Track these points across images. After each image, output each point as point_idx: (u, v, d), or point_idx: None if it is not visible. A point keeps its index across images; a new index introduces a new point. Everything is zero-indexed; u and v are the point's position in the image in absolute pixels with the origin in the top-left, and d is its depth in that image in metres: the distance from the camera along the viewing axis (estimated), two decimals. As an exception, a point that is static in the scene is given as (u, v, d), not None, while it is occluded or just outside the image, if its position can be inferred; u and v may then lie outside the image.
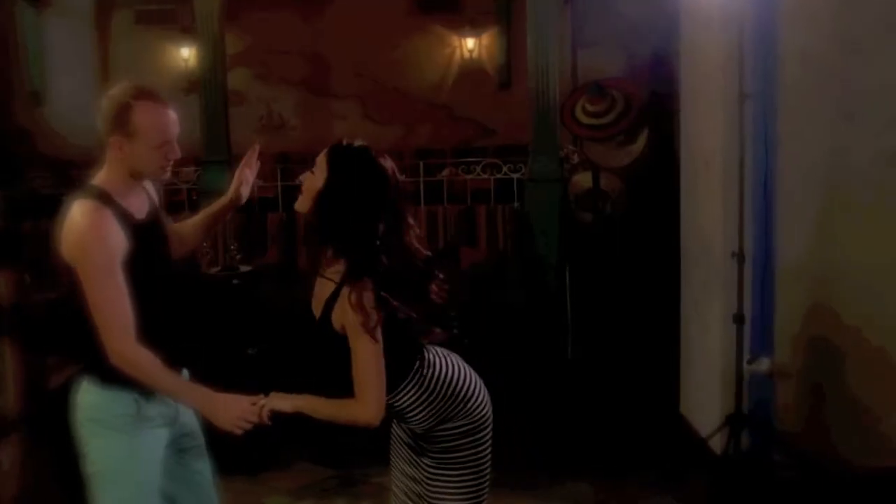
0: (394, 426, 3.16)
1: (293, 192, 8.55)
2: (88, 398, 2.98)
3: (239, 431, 2.90)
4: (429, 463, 3.02)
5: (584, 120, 7.46)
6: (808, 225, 4.89)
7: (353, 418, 2.79)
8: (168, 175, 3.02)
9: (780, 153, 4.86)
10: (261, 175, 9.12)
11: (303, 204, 2.87)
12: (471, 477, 3.01)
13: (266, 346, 6.14)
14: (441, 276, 3.00)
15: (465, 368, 3.08)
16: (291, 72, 11.91)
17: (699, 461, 5.21)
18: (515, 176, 8.34)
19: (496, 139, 11.08)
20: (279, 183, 8.55)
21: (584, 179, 7.87)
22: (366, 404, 2.76)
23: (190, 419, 3.17)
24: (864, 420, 4.85)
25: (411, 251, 2.87)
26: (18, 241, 6.01)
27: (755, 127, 4.87)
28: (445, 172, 8.68)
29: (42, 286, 4.93)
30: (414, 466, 3.09)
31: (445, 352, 3.09)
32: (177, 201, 8.63)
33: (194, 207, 8.28)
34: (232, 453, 5.47)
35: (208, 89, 8.25)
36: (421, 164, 8.70)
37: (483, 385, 3.10)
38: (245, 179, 3.43)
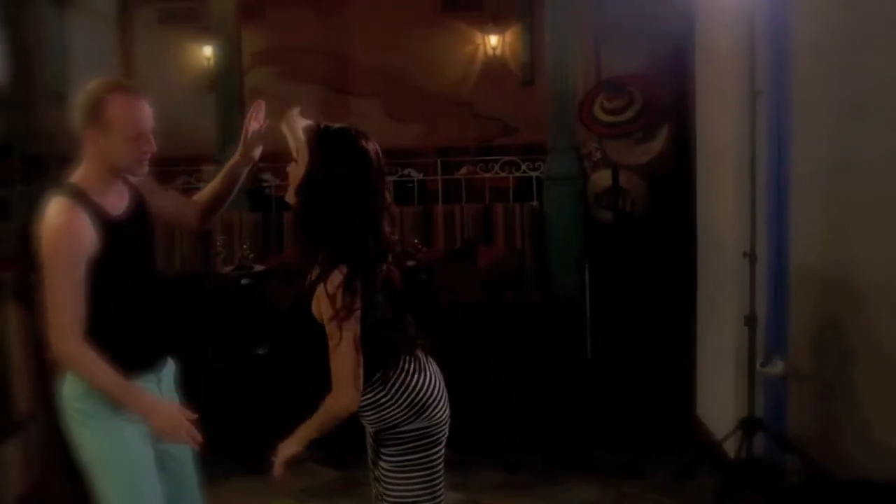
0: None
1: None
2: (71, 389, 3.01)
3: (178, 442, 2.97)
4: (383, 464, 2.97)
5: (602, 118, 7.34)
6: (823, 223, 4.78)
7: (332, 414, 2.78)
8: (146, 169, 3.01)
9: (792, 150, 4.75)
10: (279, 174, 9.21)
11: (290, 195, 2.83)
12: (422, 479, 2.96)
13: (275, 347, 6.09)
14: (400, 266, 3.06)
15: (434, 377, 3.03)
16: (313, 70, 11.86)
17: (712, 464, 5.12)
18: (534, 174, 8.27)
19: (519, 137, 10.99)
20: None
21: (603, 177, 7.76)
22: (338, 395, 2.75)
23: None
24: (880, 426, 4.74)
25: (388, 238, 2.84)
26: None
27: (767, 123, 4.76)
28: (463, 171, 8.61)
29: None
30: (375, 466, 3.05)
31: (426, 360, 3.04)
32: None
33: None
34: (239, 453, 5.51)
35: (224, 88, 8.23)
36: (438, 161, 8.65)
37: (444, 389, 3.06)
38: (253, 134, 3.39)
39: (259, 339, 6.13)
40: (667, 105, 7.30)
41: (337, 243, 2.73)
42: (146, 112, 2.95)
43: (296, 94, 11.91)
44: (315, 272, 2.78)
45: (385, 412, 2.90)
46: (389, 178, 8.57)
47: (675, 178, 7.33)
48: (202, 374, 6.00)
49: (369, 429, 3.02)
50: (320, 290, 2.69)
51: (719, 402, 5.41)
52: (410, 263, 6.71)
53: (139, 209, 3.09)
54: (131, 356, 2.97)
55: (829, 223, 4.77)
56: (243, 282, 6.41)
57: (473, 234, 7.80)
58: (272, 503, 5.14)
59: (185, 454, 3.25)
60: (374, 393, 2.88)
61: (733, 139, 4.96)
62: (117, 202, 3.00)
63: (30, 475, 4.89)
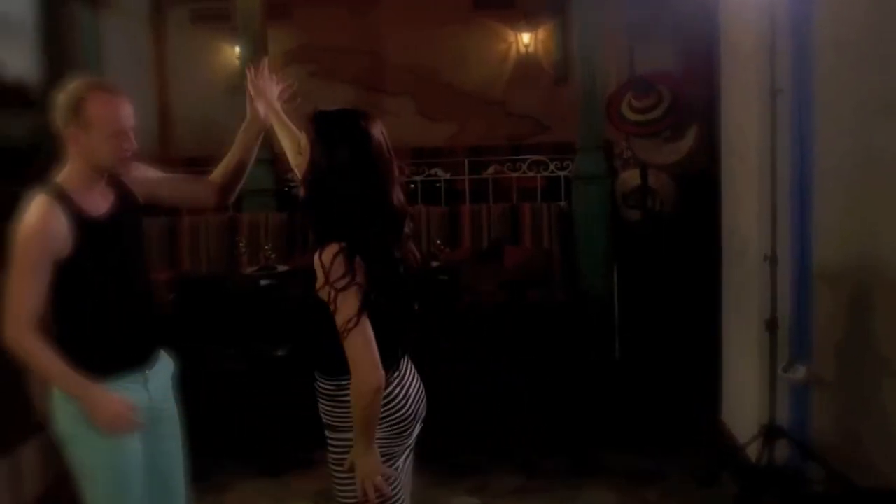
0: None
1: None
2: (54, 405, 3.03)
3: (117, 432, 2.95)
4: (331, 455, 2.90)
5: (630, 116, 7.24)
6: (847, 225, 4.65)
7: (363, 402, 2.64)
8: (127, 167, 3.03)
9: (815, 149, 4.62)
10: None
11: (300, 188, 2.83)
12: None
13: (295, 348, 6.06)
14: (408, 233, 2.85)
15: (413, 393, 2.93)
16: (345, 69, 11.81)
17: (735, 470, 5.01)
18: (562, 174, 8.19)
19: (551, 135, 10.89)
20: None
21: (631, 177, 7.65)
22: (357, 377, 2.62)
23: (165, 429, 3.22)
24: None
25: (398, 215, 2.76)
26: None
27: (789, 122, 4.63)
28: (491, 170, 8.53)
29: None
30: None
31: (413, 371, 2.96)
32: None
33: (238, 206, 8.29)
34: (255, 455, 5.50)
35: (250, 88, 8.18)
36: (466, 161, 8.58)
37: (420, 406, 2.96)
38: (256, 90, 3.39)
39: (278, 341, 6.10)
40: (696, 103, 7.18)
41: (342, 222, 2.66)
42: (126, 110, 2.96)
43: (328, 93, 11.91)
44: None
45: (346, 415, 2.78)
46: (416, 178, 8.55)
47: (705, 177, 7.21)
48: (221, 374, 6.02)
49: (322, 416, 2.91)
50: (315, 259, 2.62)
51: (743, 406, 5.29)
52: (434, 264, 6.65)
53: (125, 209, 3.10)
54: (109, 355, 3.00)
55: (854, 224, 4.64)
56: (263, 283, 6.37)
57: (500, 235, 7.74)
58: (288, 504, 5.10)
59: (175, 451, 3.29)
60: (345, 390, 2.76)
61: (755, 138, 4.84)
62: (100, 202, 3.02)
63: (47, 476, 4.89)
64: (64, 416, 3.01)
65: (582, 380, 6.50)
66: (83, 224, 2.93)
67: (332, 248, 2.60)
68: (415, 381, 2.94)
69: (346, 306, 2.58)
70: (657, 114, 7.12)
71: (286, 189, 8.40)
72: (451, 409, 5.90)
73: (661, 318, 7.16)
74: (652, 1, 8.62)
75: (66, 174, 2.98)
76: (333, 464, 2.87)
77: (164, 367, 3.22)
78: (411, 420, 2.89)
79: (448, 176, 8.60)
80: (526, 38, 11.81)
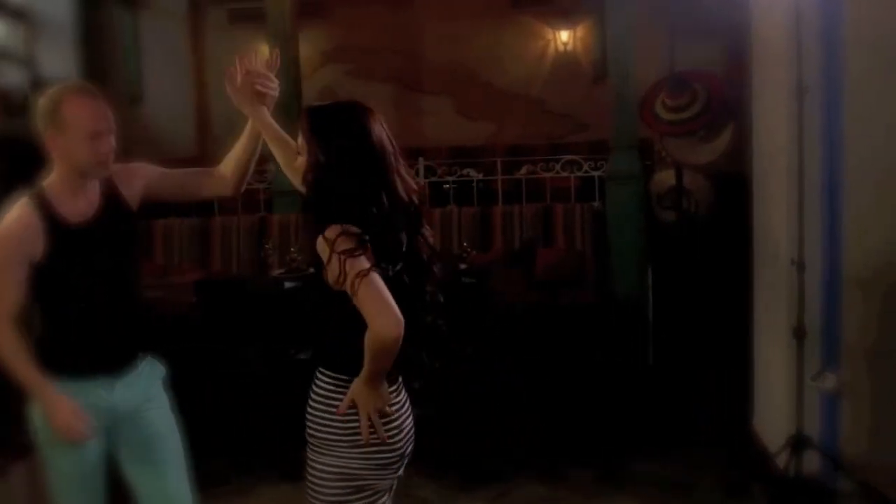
0: None
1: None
2: (36, 409, 3.08)
3: (65, 438, 2.98)
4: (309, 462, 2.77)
5: (664, 115, 7.08)
6: (878, 229, 4.48)
7: (376, 347, 2.49)
8: (107, 170, 3.03)
9: (845, 150, 4.45)
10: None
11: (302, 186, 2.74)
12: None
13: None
14: (426, 228, 2.76)
15: (404, 424, 2.78)
16: (383, 68, 11.77)
17: (765, 482, 4.86)
18: (596, 174, 8.07)
19: (590, 134, 10.74)
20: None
21: (666, 177, 7.51)
22: (374, 328, 2.46)
23: (137, 432, 3.19)
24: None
25: (402, 203, 2.65)
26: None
27: (819, 123, 4.47)
28: (524, 171, 8.42)
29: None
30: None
31: (408, 403, 2.83)
32: (255, 201, 8.65)
33: (269, 207, 8.27)
34: (277, 459, 5.44)
35: (280, 89, 8.14)
36: (499, 161, 8.49)
37: (408, 440, 2.80)
38: (243, 82, 3.34)
39: (301, 344, 6.04)
40: (733, 102, 7.01)
41: (344, 214, 2.56)
42: (103, 112, 2.98)
43: (366, 92, 11.87)
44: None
45: (334, 427, 2.67)
46: (449, 179, 8.47)
47: (741, 178, 7.06)
48: (244, 376, 5.97)
49: (308, 431, 2.76)
50: (319, 240, 2.52)
51: (773, 415, 5.14)
52: (463, 266, 6.56)
53: (111, 215, 3.09)
54: (72, 357, 3.03)
55: (886, 227, 4.47)
56: (287, 285, 6.31)
57: (532, 236, 7.64)
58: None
59: (170, 437, 3.27)
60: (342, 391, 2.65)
61: (784, 139, 4.68)
62: (82, 207, 3.04)
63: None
64: (35, 415, 3.07)
65: (613, 384, 6.38)
66: (57, 229, 2.97)
67: (335, 228, 2.50)
68: (408, 415, 2.81)
69: (356, 264, 2.47)
70: (691, 113, 6.95)
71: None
72: (473, 413, 5.87)
73: (695, 321, 7.03)
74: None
75: (50, 179, 3.02)
76: (312, 491, 2.74)
77: (143, 378, 3.20)
78: (400, 457, 2.75)
79: (481, 176, 8.50)
80: (564, 35, 11.67)
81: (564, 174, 8.30)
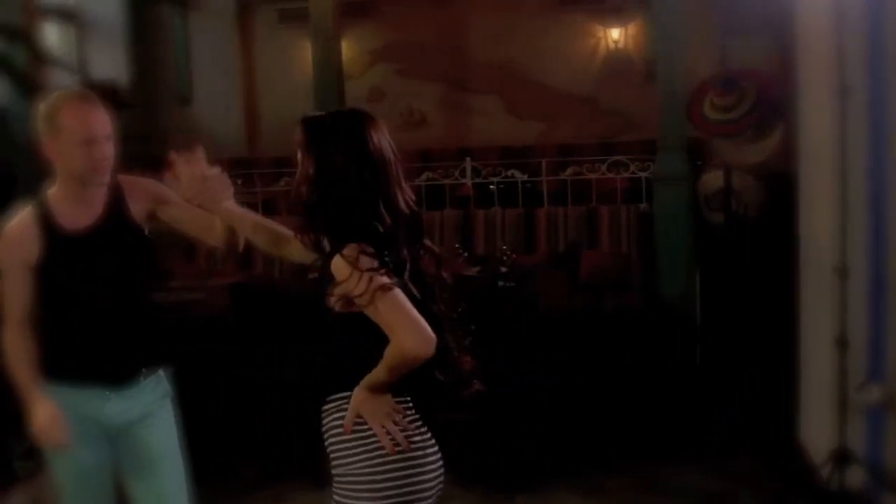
0: None
1: (436, 190, 8.34)
2: None
3: (42, 443, 3.03)
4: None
5: (712, 115, 6.92)
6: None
7: (396, 362, 2.40)
8: (104, 177, 3.00)
9: (891, 153, 4.25)
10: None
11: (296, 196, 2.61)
12: None
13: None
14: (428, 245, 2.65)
15: (428, 461, 2.62)
16: (432, 66, 11.68)
17: (805, 495, 4.69)
18: (644, 174, 7.91)
19: (642, 133, 10.55)
20: (423, 182, 8.39)
21: (714, 178, 7.33)
22: (398, 342, 2.37)
23: (135, 448, 3.16)
24: None
25: (402, 216, 2.54)
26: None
27: (864, 123, 4.29)
28: (569, 172, 8.29)
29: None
30: None
31: (431, 438, 2.67)
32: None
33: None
34: (312, 466, 5.37)
35: (322, 90, 8.17)
36: (543, 162, 8.36)
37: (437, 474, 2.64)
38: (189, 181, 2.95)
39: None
40: (782, 101, 6.82)
41: (343, 226, 2.48)
42: (98, 119, 2.97)
43: (415, 91, 11.81)
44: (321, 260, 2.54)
45: (348, 458, 2.55)
46: (494, 179, 8.37)
47: (791, 179, 6.88)
48: (280, 381, 5.92)
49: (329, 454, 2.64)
50: (336, 259, 2.42)
51: (818, 426, 4.96)
52: (503, 270, 6.46)
53: (114, 225, 3.08)
54: (70, 365, 3.04)
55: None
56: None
57: (577, 238, 7.52)
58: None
59: (170, 457, 3.23)
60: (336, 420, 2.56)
61: (827, 139, 4.51)
62: (82, 216, 3.05)
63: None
64: None
65: (656, 389, 6.23)
66: (53, 236, 3.00)
67: (353, 247, 2.42)
68: (434, 451, 2.63)
69: (380, 282, 2.38)
70: (739, 112, 6.79)
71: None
72: (506, 419, 5.75)
73: (744, 325, 6.85)
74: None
75: (53, 188, 3.06)
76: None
77: (144, 393, 3.16)
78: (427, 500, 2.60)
79: (526, 177, 8.38)
80: (615, 33, 11.48)
81: (611, 175, 8.15)
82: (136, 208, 3.12)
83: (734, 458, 5.39)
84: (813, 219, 5.04)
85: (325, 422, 2.60)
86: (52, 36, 10.55)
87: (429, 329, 2.39)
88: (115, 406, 3.08)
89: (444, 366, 2.61)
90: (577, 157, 9.13)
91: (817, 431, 5.00)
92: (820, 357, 4.82)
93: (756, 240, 7.06)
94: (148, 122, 10.85)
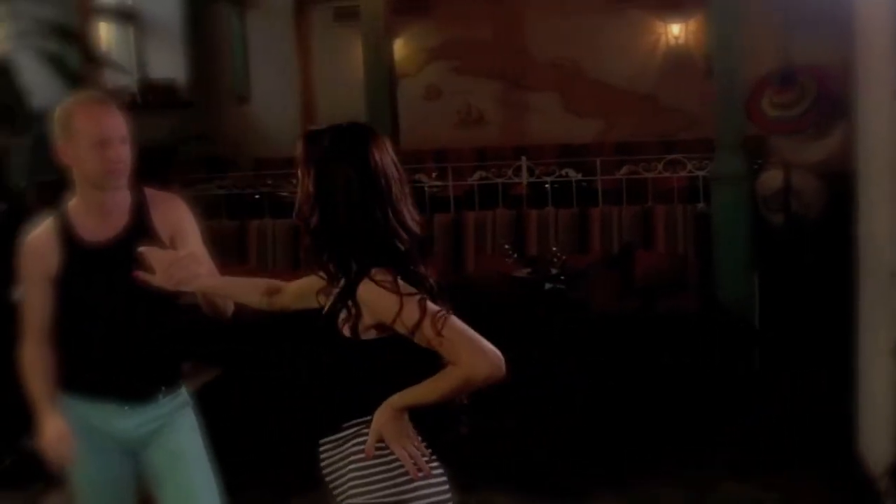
0: None
1: (489, 189, 8.26)
2: None
3: (48, 458, 2.97)
4: None
5: (771, 112, 6.74)
6: None
7: (462, 382, 2.34)
8: (119, 181, 2.95)
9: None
10: (429, 174, 9.01)
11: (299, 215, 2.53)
12: None
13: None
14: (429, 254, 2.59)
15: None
16: (489, 64, 11.60)
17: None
18: (701, 173, 7.72)
19: (703, 131, 10.34)
20: (475, 182, 8.31)
21: (773, 177, 7.13)
22: (471, 362, 2.30)
23: (159, 454, 3.10)
24: None
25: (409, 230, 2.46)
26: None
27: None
28: (623, 171, 8.12)
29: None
30: None
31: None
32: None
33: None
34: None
35: (372, 88, 8.09)
36: (598, 161, 8.21)
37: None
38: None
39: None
40: (845, 98, 6.61)
41: (361, 248, 2.40)
42: (112, 120, 2.93)
43: (472, 89, 11.73)
44: (335, 288, 2.46)
45: (370, 485, 2.44)
46: (548, 179, 8.24)
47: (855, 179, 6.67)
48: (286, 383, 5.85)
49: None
50: (368, 286, 2.34)
51: (876, 437, 4.75)
52: (553, 271, 6.33)
53: (136, 237, 2.97)
54: (86, 378, 3.01)
55: None
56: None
57: (631, 238, 7.35)
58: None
59: (197, 458, 3.15)
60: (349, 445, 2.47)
61: (885, 140, 4.32)
62: (103, 227, 3.00)
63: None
64: None
65: (712, 395, 6.06)
66: (72, 247, 2.97)
67: (383, 271, 2.35)
68: (444, 475, 2.52)
69: (431, 307, 2.32)
70: (799, 109, 6.60)
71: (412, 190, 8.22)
72: (553, 425, 5.62)
73: (804, 330, 6.66)
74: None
75: (73, 198, 3.03)
76: None
77: (163, 410, 3.09)
78: None
79: (580, 176, 8.24)
80: (675, 29, 11.29)
81: (667, 174, 7.97)
82: (162, 221, 3.05)
83: (790, 469, 5.20)
84: (871, 221, 4.83)
85: (342, 449, 2.48)
86: (110, 36, 10.65)
87: (497, 351, 2.32)
88: (132, 420, 3.05)
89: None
90: (635, 155, 8.96)
91: (875, 442, 4.80)
92: (877, 366, 4.62)
93: (817, 241, 6.85)
94: (205, 121, 10.90)
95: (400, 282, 2.33)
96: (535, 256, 7.02)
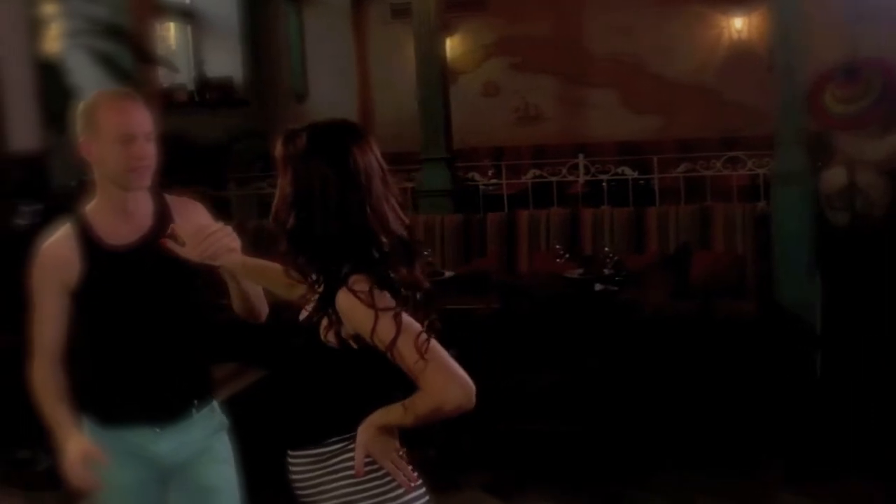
0: None
1: (545, 188, 8.15)
2: None
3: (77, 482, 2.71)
4: None
5: (834, 107, 6.51)
6: None
7: (430, 412, 2.24)
8: (144, 181, 2.79)
9: None
10: (484, 172, 8.90)
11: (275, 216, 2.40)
12: None
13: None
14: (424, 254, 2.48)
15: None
16: (547, 60, 11.44)
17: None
18: (761, 171, 7.51)
19: (767, 127, 10.10)
20: (529, 180, 8.20)
21: (836, 175, 6.89)
22: (442, 394, 2.21)
23: (188, 487, 2.92)
24: None
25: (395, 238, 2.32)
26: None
27: None
28: (681, 168, 7.93)
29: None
30: None
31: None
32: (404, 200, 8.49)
33: (416, 208, 8.12)
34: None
35: (425, 86, 8.01)
36: (655, 159, 8.04)
37: None
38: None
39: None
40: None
41: (334, 253, 2.29)
42: (139, 116, 2.78)
43: (530, 86, 11.60)
44: (315, 294, 2.34)
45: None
46: (603, 177, 8.09)
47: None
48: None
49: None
50: (345, 296, 2.22)
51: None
52: (606, 272, 6.18)
53: (156, 240, 2.81)
54: (115, 402, 2.82)
55: None
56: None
57: (688, 239, 7.16)
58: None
59: (226, 494, 2.98)
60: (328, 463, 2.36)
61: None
62: (126, 231, 2.83)
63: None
64: None
65: (771, 403, 5.87)
66: (95, 252, 2.79)
67: (361, 280, 2.23)
68: None
69: (411, 323, 2.21)
70: (864, 104, 6.37)
71: (464, 188, 8.16)
72: (607, 432, 5.47)
73: (869, 335, 6.44)
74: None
75: (91, 203, 2.85)
76: None
77: (197, 428, 2.92)
78: None
79: (636, 174, 8.07)
80: (738, 23, 11.04)
81: (727, 172, 7.77)
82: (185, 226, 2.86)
83: (849, 479, 5.02)
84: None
85: (326, 464, 2.38)
86: (168, 35, 10.72)
87: (469, 379, 2.21)
88: (167, 444, 2.86)
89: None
90: (696, 152, 8.77)
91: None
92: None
93: (882, 241, 6.61)
94: (262, 119, 10.91)
95: (377, 293, 2.21)
96: (589, 256, 6.87)
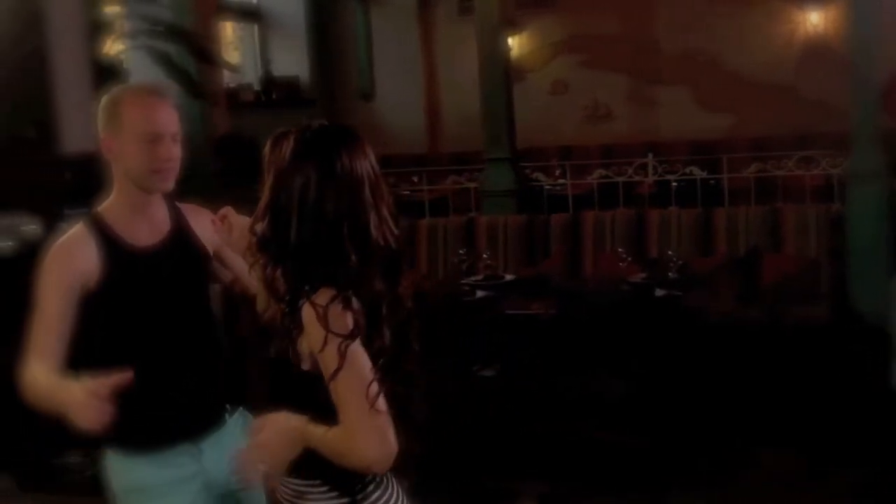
0: None
1: (611, 188, 8.00)
2: (109, 465, 2.75)
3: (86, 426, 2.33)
4: None
5: (910, 104, 6.27)
6: None
7: (346, 461, 2.10)
8: (167, 183, 2.66)
9: None
10: (550, 173, 8.75)
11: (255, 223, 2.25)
12: None
13: (505, 367, 5.60)
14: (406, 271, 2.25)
15: None
16: (617, 58, 11.24)
17: None
18: (835, 171, 7.26)
19: (844, 125, 9.79)
20: (595, 180, 8.05)
21: (911, 175, 6.64)
22: (353, 446, 2.06)
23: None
24: None
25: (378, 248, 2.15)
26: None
27: None
28: (752, 168, 7.71)
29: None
30: None
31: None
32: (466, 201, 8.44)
33: (479, 207, 8.03)
34: (457, 486, 5.11)
35: (488, 82, 7.90)
36: (724, 158, 7.82)
37: None
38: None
39: (486, 360, 5.68)
40: None
41: (304, 263, 2.13)
42: (164, 115, 2.65)
43: (599, 84, 11.41)
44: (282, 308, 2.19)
45: None
46: (671, 177, 7.91)
47: None
48: (418, 397, 5.65)
49: None
50: (306, 309, 2.07)
51: None
52: (671, 276, 6.01)
53: (181, 247, 2.75)
54: (152, 426, 2.67)
55: None
56: (479, 294, 5.95)
57: (758, 241, 6.95)
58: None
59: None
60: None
61: None
62: (147, 232, 2.71)
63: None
64: (117, 477, 2.73)
65: (844, 413, 5.64)
66: (116, 252, 2.63)
67: (327, 293, 2.07)
68: None
69: (359, 361, 2.04)
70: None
71: (529, 188, 8.05)
72: (667, 443, 5.30)
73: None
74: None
75: (108, 202, 2.71)
76: None
77: (232, 435, 2.76)
78: None
79: (705, 174, 7.87)
80: (814, 17, 10.72)
81: (800, 172, 7.53)
82: (202, 234, 2.79)
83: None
84: None
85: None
86: (234, 35, 10.75)
87: (394, 439, 2.04)
88: (209, 457, 2.73)
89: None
90: (769, 151, 8.52)
91: None
92: None
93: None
94: (330, 118, 10.76)
95: (336, 311, 2.04)
96: (654, 259, 6.70)
